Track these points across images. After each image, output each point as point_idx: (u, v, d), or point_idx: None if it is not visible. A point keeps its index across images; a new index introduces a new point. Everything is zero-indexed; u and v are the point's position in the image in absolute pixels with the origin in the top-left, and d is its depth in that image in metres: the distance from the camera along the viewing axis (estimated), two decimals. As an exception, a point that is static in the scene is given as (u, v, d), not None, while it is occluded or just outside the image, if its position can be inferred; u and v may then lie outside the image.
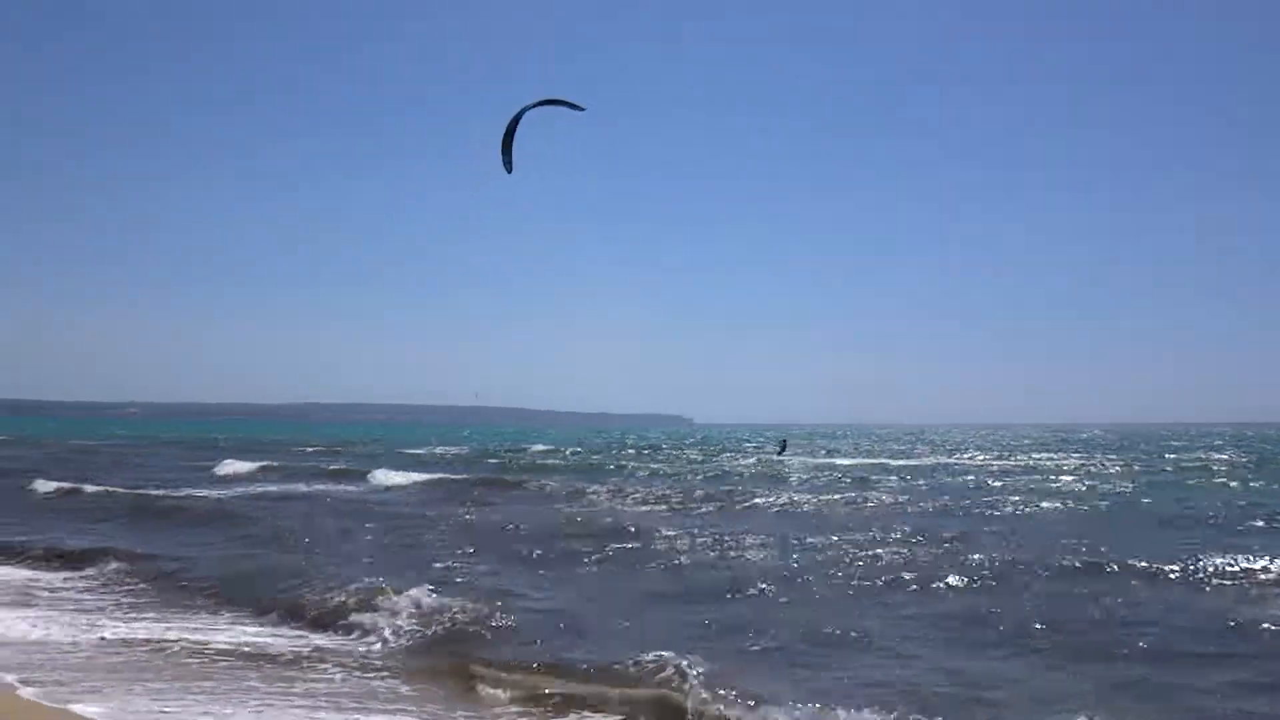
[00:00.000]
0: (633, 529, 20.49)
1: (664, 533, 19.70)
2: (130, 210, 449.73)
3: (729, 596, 13.69)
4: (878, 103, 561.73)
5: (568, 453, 64.67)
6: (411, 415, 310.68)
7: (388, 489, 34.73)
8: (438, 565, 16.42)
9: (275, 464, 45.90)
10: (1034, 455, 60.03)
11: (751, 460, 55.44)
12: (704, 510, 25.95)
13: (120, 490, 30.47)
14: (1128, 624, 11.72)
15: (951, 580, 14.41)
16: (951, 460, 54.81)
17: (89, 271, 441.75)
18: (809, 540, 18.66)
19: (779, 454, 61.73)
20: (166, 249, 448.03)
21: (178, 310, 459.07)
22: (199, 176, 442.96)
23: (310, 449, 70.20)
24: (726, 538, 18.95)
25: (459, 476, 38.49)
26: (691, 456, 60.35)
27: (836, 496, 29.01)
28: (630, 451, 69.14)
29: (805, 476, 40.46)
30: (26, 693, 9.11)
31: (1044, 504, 26.27)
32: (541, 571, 16.07)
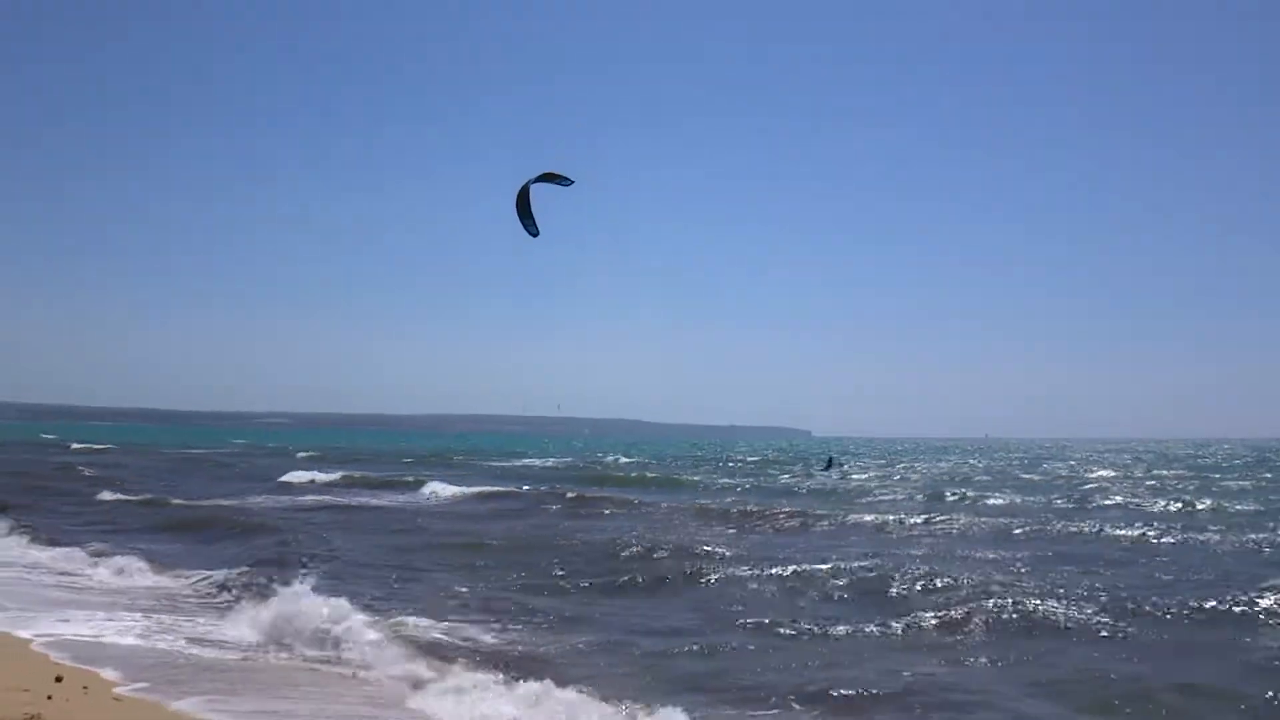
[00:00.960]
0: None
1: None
2: (279, 233, 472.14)
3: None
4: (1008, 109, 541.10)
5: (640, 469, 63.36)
6: (541, 427, 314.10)
7: (435, 501, 34.21)
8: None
9: (355, 474, 45.79)
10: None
11: (828, 476, 52.92)
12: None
13: (169, 499, 30.61)
14: None
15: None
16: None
17: (243, 290, 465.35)
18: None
19: (825, 469, 60.14)
20: (318, 267, 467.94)
21: (326, 324, 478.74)
22: (345, 201, 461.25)
23: (406, 460, 70.78)
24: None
25: (507, 489, 37.43)
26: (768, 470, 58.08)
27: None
28: (707, 465, 67.38)
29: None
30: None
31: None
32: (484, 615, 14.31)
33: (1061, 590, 14.84)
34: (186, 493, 33.82)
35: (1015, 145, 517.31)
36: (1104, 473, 55.93)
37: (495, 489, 37.07)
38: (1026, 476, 52.80)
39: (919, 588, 15.20)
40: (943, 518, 26.15)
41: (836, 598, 15.04)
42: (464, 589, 15.46)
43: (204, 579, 16.16)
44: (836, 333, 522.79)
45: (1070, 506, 31.88)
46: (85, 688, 9.12)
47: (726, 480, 47.04)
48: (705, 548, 19.54)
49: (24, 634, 11.49)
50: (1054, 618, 13.09)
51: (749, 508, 28.74)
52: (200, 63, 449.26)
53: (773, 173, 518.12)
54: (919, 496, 36.34)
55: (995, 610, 13.28)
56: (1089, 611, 13.30)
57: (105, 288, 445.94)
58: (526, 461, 69.05)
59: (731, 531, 24.50)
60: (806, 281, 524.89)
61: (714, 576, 16.59)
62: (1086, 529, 23.53)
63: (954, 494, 36.74)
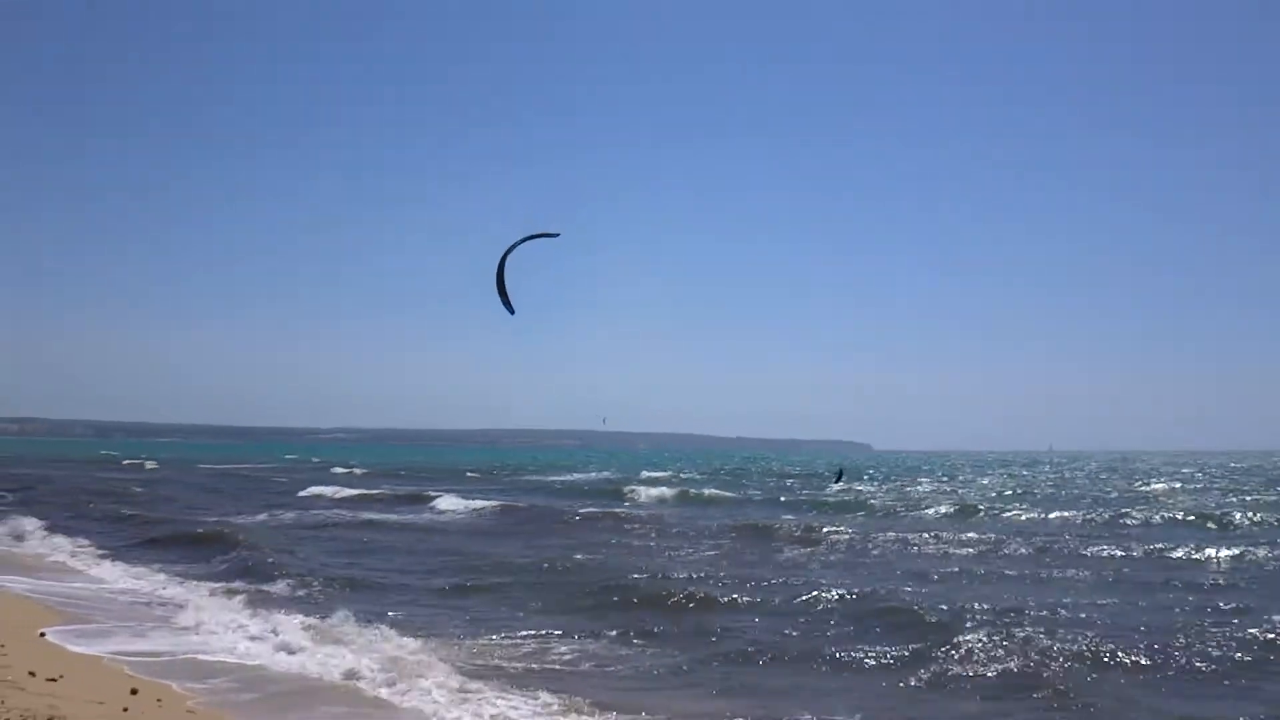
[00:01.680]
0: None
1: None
2: (341, 253, 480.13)
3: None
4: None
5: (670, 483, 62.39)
6: (595, 442, 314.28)
7: (440, 516, 33.67)
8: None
9: (371, 490, 45.43)
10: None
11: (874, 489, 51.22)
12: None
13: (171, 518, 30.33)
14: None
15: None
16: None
17: (300, 309, 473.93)
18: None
19: (836, 483, 58.88)
20: (381, 284, 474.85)
21: (386, 340, 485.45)
22: (406, 215, 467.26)
23: (443, 474, 70.76)
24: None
25: (518, 504, 36.68)
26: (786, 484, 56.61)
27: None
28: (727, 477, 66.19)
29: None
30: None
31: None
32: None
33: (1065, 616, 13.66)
34: (182, 509, 33.85)
35: (1081, 155, 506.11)
36: (1159, 486, 53.43)
37: (505, 503, 36.33)
38: (1065, 490, 50.63)
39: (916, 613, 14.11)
40: (940, 535, 24.73)
41: (833, 624, 14.02)
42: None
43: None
44: (897, 345, 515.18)
45: (1102, 520, 30.27)
46: (159, 701, 9.21)
47: (754, 493, 45.93)
48: (684, 572, 18.51)
49: (99, 649, 11.47)
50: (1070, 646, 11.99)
51: (746, 523, 27.80)
52: (261, 76, 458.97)
53: (836, 185, 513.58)
54: (935, 511, 34.68)
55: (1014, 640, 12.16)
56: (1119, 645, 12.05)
57: (175, 309, 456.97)
58: (565, 477, 68.32)
59: (725, 548, 23.52)
60: (868, 294, 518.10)
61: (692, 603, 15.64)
62: (1119, 548, 22.16)
63: (984, 508, 35.09)
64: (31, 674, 9.47)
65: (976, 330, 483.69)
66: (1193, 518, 31.00)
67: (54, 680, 9.36)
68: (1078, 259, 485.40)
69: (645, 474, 69.53)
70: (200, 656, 11.38)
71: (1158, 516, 31.55)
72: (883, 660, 11.72)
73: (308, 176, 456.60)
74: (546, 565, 19.38)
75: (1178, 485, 53.95)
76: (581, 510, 33.40)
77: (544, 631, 13.39)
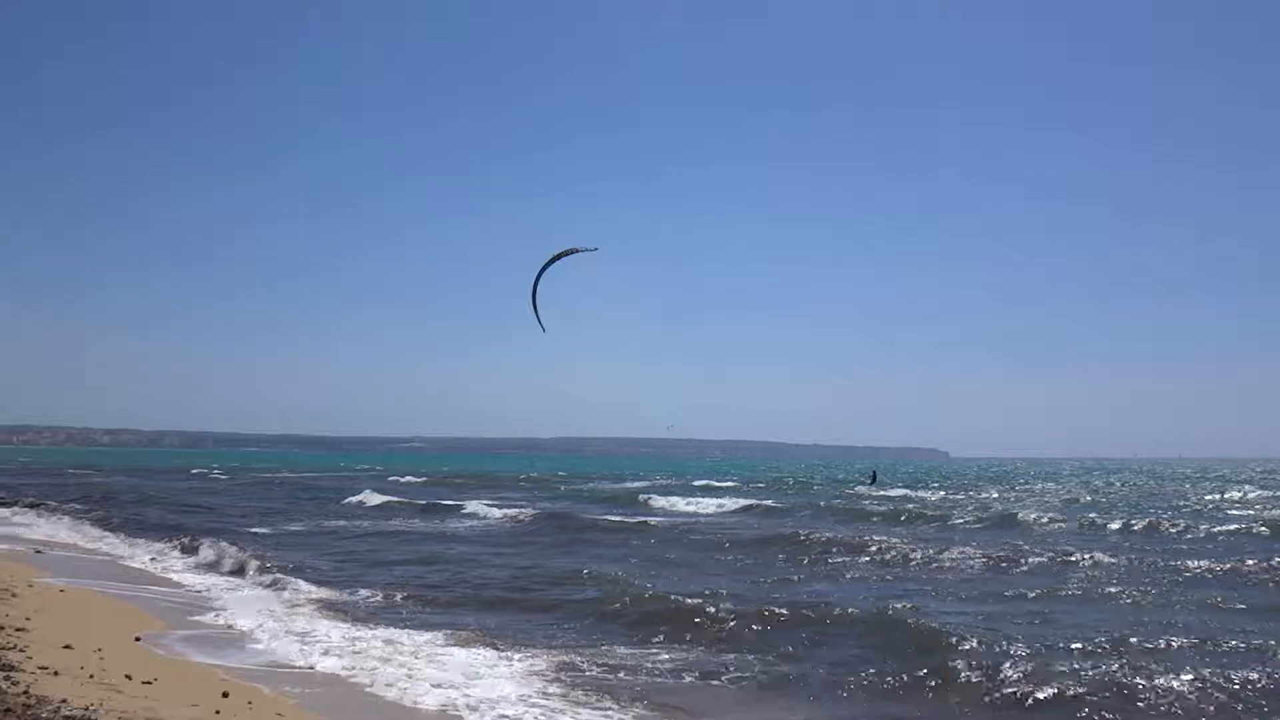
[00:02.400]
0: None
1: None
2: (423, 267, 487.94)
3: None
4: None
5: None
6: (670, 449, 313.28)
7: (460, 525, 32.91)
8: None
9: (401, 499, 45.17)
10: None
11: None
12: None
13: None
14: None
15: None
16: None
17: (387, 313, 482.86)
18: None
19: (869, 484, 58.81)
20: (464, 293, 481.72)
21: (466, 351, 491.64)
22: (493, 226, 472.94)
23: (500, 480, 70.64)
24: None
25: (541, 511, 35.81)
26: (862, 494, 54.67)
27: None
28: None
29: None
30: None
31: None
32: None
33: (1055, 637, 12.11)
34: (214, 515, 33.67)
35: (1166, 152, 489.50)
36: (1232, 494, 50.16)
37: (530, 511, 35.50)
38: (1132, 500, 47.85)
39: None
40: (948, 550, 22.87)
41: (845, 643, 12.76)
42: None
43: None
44: (976, 352, 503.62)
45: (1174, 530, 28.30)
46: (250, 703, 9.31)
47: (796, 500, 44.34)
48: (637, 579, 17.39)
49: (190, 654, 11.60)
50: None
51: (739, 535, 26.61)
52: (345, 83, 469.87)
53: (919, 188, 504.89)
54: (964, 521, 32.74)
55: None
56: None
57: (265, 322, 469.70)
58: (624, 485, 67.37)
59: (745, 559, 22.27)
60: (947, 298, 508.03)
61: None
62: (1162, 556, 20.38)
63: (1028, 516, 32.99)
64: (128, 677, 9.66)
65: (1054, 338, 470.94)
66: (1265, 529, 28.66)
67: (149, 683, 9.57)
68: (1162, 264, 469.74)
69: (698, 482, 68.53)
70: (281, 663, 11.45)
71: (1225, 528, 29.19)
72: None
73: (411, 192, 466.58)
74: (547, 576, 18.53)
75: (1266, 493, 50.65)
76: (603, 518, 32.34)
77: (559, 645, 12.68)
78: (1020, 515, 33.56)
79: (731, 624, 13.57)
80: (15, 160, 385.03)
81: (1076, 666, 10.73)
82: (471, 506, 37.25)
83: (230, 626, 13.50)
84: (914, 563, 21.11)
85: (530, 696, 9.95)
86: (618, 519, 32.37)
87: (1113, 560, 20.56)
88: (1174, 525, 29.72)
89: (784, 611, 14.04)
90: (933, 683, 10.64)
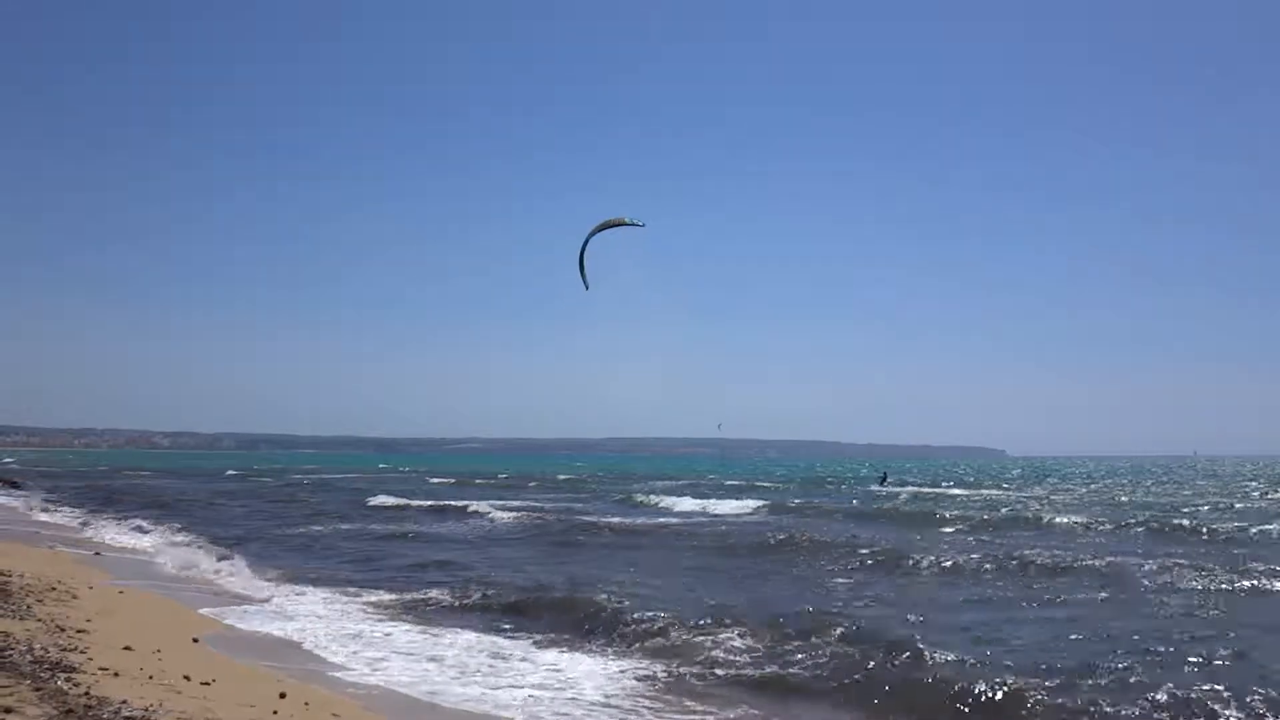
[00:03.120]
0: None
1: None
2: (476, 272, 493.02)
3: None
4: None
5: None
6: (726, 450, 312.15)
7: (464, 526, 32.54)
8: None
9: (414, 502, 45.05)
10: None
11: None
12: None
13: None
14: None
15: None
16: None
17: (441, 323, 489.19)
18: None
19: (881, 483, 58.39)
20: (523, 297, 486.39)
21: (520, 353, 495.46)
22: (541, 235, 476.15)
23: (537, 482, 70.71)
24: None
25: (545, 513, 35.31)
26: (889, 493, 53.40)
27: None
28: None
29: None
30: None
31: None
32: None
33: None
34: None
35: (1229, 150, 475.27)
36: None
37: (533, 514, 35.00)
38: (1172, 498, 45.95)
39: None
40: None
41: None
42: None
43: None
44: (1034, 349, 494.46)
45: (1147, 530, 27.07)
46: (306, 704, 9.35)
47: (825, 500, 43.39)
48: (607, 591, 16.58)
49: (245, 656, 11.65)
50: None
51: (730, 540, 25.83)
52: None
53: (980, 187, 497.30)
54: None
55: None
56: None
57: (321, 325, 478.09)
58: (649, 483, 66.80)
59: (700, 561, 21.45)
60: (1005, 297, 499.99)
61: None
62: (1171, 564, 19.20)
63: (1044, 516, 31.63)
64: (186, 678, 9.73)
65: (1117, 334, 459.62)
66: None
67: (207, 684, 9.64)
68: (1229, 260, 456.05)
69: (731, 481, 67.80)
70: (337, 665, 11.54)
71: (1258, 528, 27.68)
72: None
73: (466, 197, 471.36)
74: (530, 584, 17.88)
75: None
76: (606, 520, 31.77)
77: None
78: (1032, 514, 32.51)
79: (647, 628, 13.17)
80: (93, 158, 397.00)
81: (1045, 681, 10.15)
82: (476, 508, 36.96)
83: (284, 628, 13.54)
84: (899, 568, 20.20)
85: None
86: (617, 520, 31.97)
87: (1113, 560, 19.63)
88: (1195, 526, 28.38)
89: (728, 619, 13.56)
90: (904, 691, 10.29)
